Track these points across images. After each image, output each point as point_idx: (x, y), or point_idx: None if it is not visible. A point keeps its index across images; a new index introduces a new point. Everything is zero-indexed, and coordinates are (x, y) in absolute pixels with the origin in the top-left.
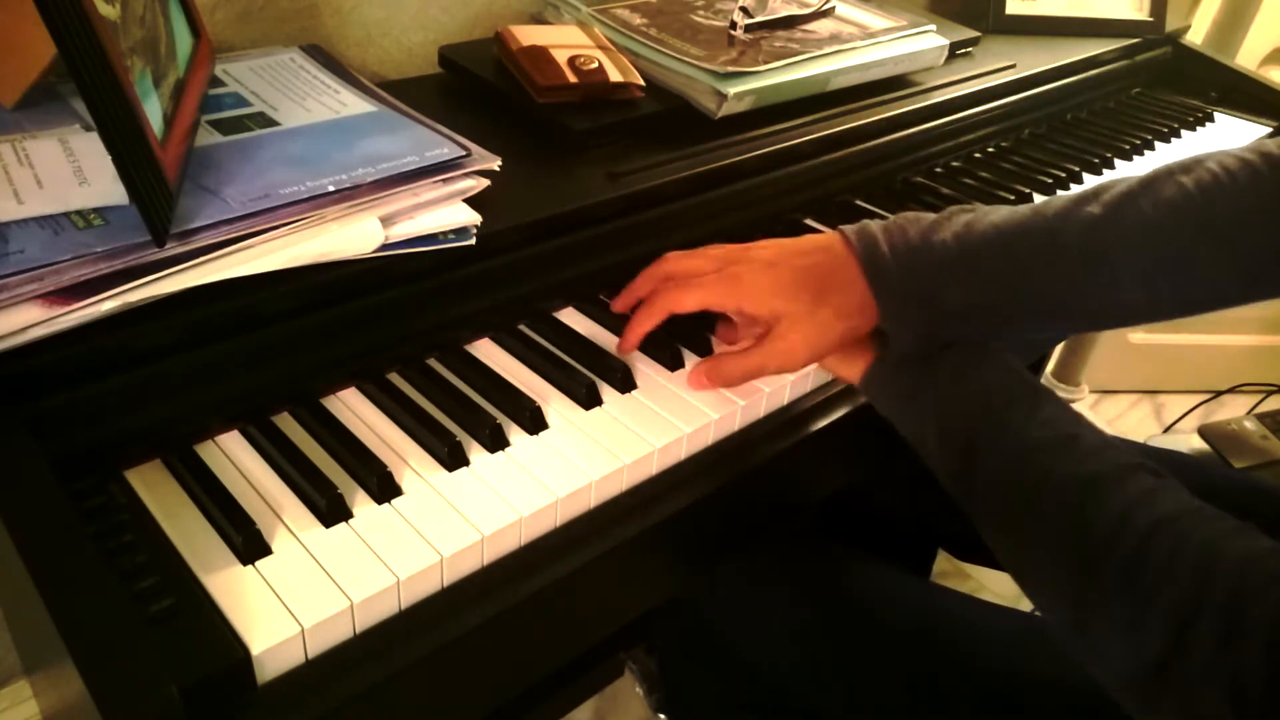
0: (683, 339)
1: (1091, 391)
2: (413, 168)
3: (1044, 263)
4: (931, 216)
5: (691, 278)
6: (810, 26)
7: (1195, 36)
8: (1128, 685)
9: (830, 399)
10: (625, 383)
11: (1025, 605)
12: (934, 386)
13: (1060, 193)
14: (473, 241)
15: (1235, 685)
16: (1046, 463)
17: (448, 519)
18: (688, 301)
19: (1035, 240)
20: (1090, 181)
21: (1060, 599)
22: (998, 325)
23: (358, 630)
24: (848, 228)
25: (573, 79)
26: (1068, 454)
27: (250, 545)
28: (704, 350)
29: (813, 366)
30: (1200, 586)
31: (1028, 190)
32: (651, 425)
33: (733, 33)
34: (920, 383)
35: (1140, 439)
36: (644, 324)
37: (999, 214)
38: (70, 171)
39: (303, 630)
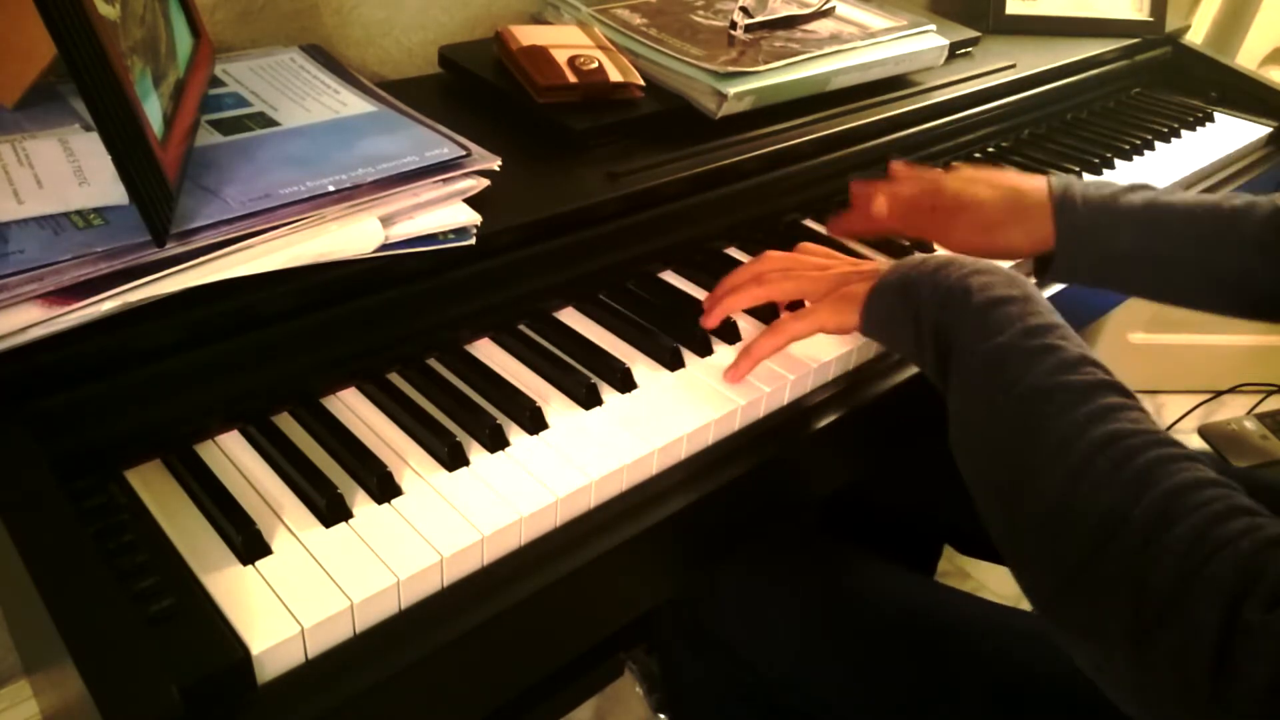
0: (683, 339)
1: None
2: (413, 168)
3: (1229, 240)
4: (1120, 184)
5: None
6: (810, 26)
7: (1195, 36)
8: (1045, 598)
9: (830, 398)
10: (625, 383)
11: (1027, 605)
12: (925, 293)
13: None
14: (473, 241)
15: (1141, 593)
16: (1018, 369)
17: (448, 519)
18: (803, 330)
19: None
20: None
21: (1002, 506)
22: (1158, 277)
23: (358, 630)
24: (1054, 176)
25: (573, 79)
26: (1041, 363)
27: (250, 545)
28: (704, 350)
29: (813, 366)
30: (1129, 502)
31: None
32: (651, 425)
33: (733, 33)
34: (911, 292)
35: None
36: (764, 348)
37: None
38: (70, 171)
39: (303, 630)
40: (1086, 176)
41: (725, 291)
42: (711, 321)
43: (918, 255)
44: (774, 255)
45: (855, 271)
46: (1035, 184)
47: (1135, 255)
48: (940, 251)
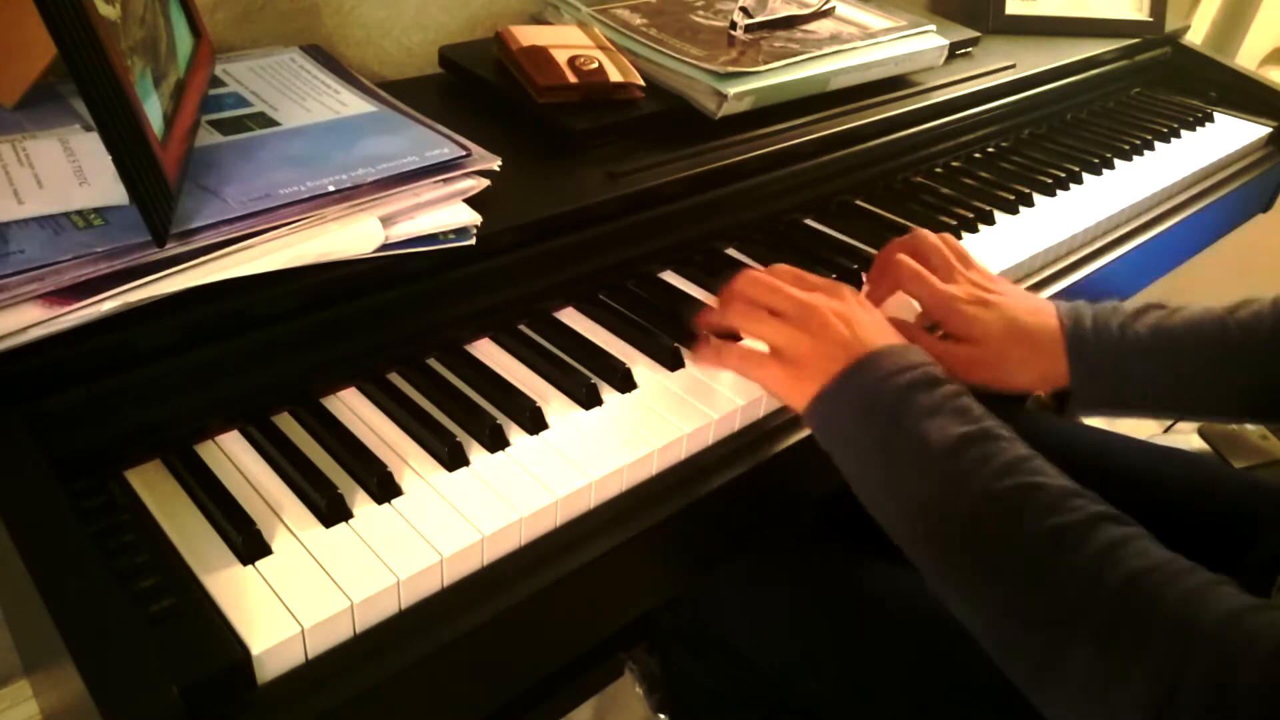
0: (683, 339)
1: None
2: (413, 168)
3: (1242, 356)
4: (1126, 310)
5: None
6: (810, 26)
7: (1195, 36)
8: None
9: None
10: (625, 383)
11: None
12: (884, 422)
13: (1060, 193)
14: (473, 241)
15: None
16: (1007, 516)
17: (448, 519)
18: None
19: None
20: (1090, 182)
21: (1023, 656)
22: (1180, 400)
23: (358, 630)
24: (1062, 305)
25: (573, 79)
26: (1030, 505)
27: (250, 545)
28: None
29: None
30: (1182, 648)
31: (1028, 190)
32: (651, 425)
33: (733, 33)
34: (869, 418)
35: (1141, 438)
36: (712, 361)
37: (1190, 312)
38: (70, 171)
39: (303, 630)
40: (1086, 177)
41: (723, 305)
42: (706, 325)
43: (874, 367)
44: (762, 285)
45: (818, 352)
46: (1048, 319)
47: (1154, 384)
48: (900, 352)
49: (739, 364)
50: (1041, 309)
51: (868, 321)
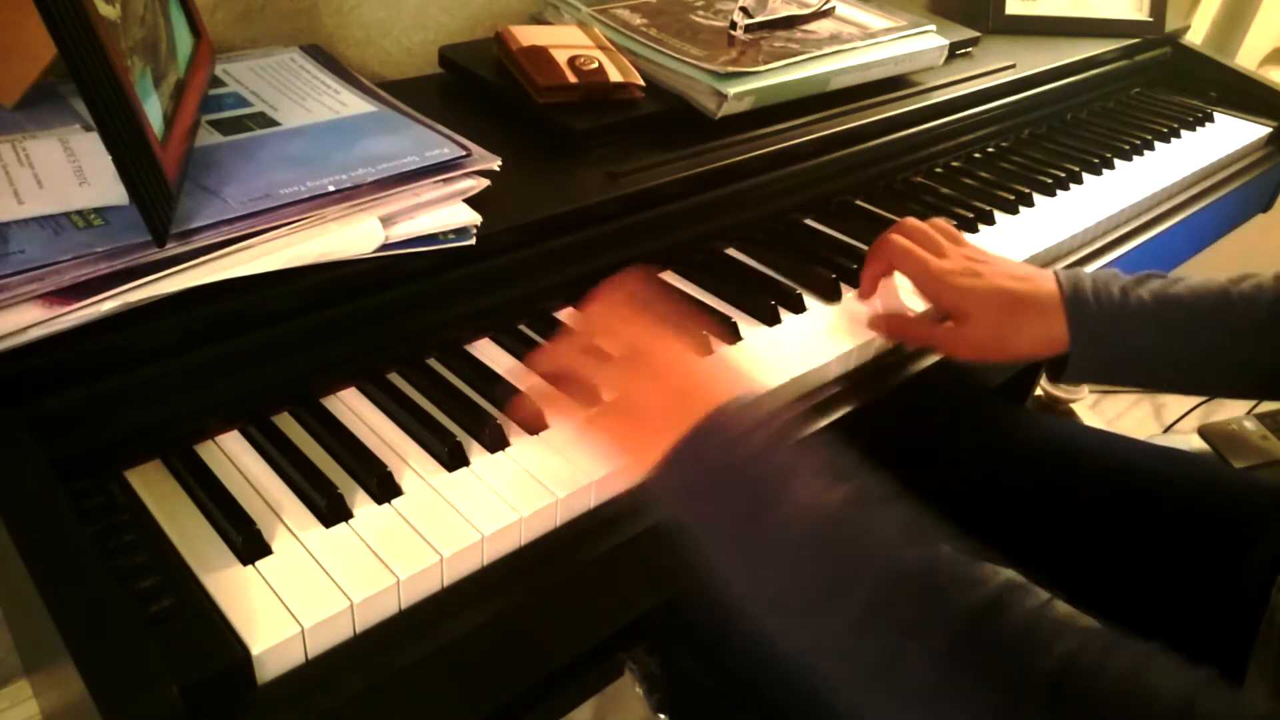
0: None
1: (1091, 391)
2: (413, 168)
3: (1241, 329)
4: (1125, 276)
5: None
6: (810, 26)
7: (1195, 36)
8: None
9: (830, 399)
10: None
11: None
12: (748, 494)
13: (1060, 193)
14: (473, 241)
15: None
16: (914, 599)
17: (448, 519)
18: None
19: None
20: (1090, 182)
21: None
22: (1178, 372)
23: (358, 630)
24: (1059, 270)
25: (573, 79)
26: (934, 583)
27: (250, 545)
28: (703, 351)
29: (814, 365)
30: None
31: (1028, 190)
32: None
33: (733, 33)
34: (728, 483)
35: (1141, 439)
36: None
37: (1190, 282)
38: (70, 171)
39: (303, 630)
40: (1086, 177)
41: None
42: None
43: (729, 422)
44: (599, 318)
45: (664, 401)
46: (1044, 284)
47: (1153, 353)
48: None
49: (564, 418)
50: (1037, 273)
51: (719, 364)
